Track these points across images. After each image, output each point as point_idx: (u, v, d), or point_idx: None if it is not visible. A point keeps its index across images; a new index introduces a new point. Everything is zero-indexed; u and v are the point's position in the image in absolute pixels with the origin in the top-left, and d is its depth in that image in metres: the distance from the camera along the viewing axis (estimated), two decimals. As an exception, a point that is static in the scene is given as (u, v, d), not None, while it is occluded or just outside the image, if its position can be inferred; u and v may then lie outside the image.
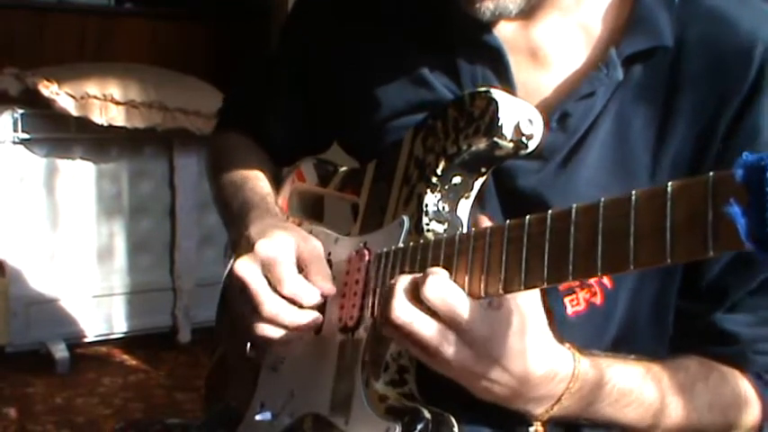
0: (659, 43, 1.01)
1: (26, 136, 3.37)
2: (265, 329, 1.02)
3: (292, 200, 1.28)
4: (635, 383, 0.96)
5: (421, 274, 0.87)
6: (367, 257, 1.04)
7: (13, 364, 3.39)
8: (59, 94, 3.29)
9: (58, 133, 3.45)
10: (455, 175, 0.99)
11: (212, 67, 4.36)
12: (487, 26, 1.05)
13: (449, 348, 0.85)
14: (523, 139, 0.93)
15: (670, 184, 0.67)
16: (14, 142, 3.36)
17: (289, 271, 1.02)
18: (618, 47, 1.01)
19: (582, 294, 1.01)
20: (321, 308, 1.06)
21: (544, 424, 0.97)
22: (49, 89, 3.28)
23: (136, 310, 3.67)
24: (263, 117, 1.33)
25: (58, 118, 3.37)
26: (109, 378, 3.40)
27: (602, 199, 0.73)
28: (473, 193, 1.00)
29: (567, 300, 1.01)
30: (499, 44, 1.05)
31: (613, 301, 1.02)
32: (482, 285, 0.84)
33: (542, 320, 0.89)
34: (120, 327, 3.66)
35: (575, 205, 0.76)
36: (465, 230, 0.95)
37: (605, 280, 1.01)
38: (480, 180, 1.00)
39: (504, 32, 1.06)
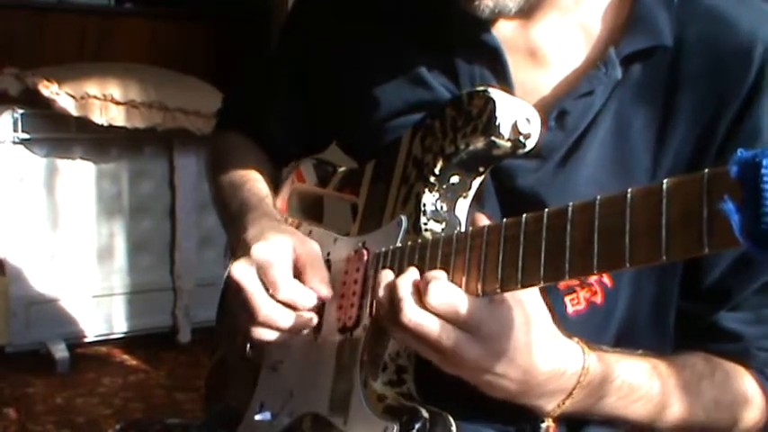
0: (658, 43, 1.01)
1: (26, 136, 3.37)
2: (261, 333, 1.03)
3: (292, 200, 1.28)
4: (643, 378, 0.96)
5: (417, 276, 0.88)
6: (365, 257, 1.04)
7: (13, 364, 3.39)
8: (59, 94, 3.29)
9: (58, 133, 3.45)
10: (453, 175, 0.99)
11: (212, 67, 4.36)
12: (486, 26, 1.05)
13: (460, 347, 0.85)
14: (521, 138, 0.93)
15: (665, 181, 0.67)
16: (14, 142, 3.36)
17: (284, 275, 1.02)
18: (617, 46, 1.01)
19: (582, 293, 1.01)
20: (319, 308, 1.06)
21: (555, 420, 0.97)
22: (49, 89, 3.28)
23: (136, 310, 3.67)
24: (262, 117, 1.33)
25: (58, 118, 3.37)
26: (109, 378, 3.40)
27: (598, 197, 0.73)
28: (471, 193, 1.00)
29: (567, 299, 1.01)
30: (497, 44, 1.05)
31: (614, 300, 1.02)
32: (479, 284, 0.85)
33: (545, 315, 0.90)
34: (120, 327, 3.66)
35: (571, 203, 0.76)
36: (463, 230, 0.95)
37: (605, 279, 1.01)
38: (478, 179, 1.00)
39: (503, 32, 1.06)
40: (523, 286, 0.81)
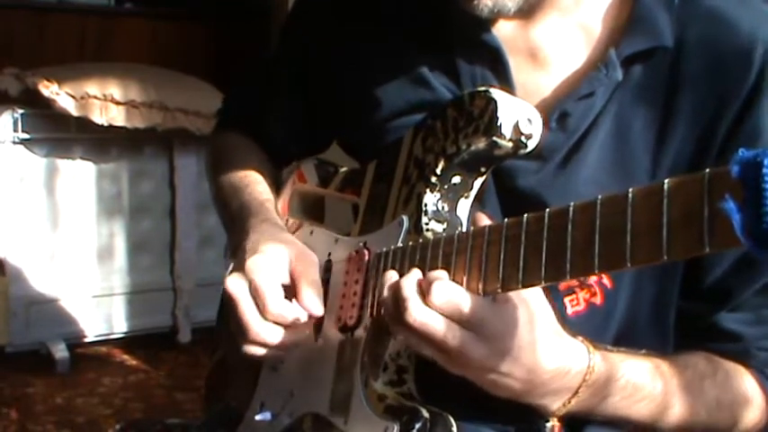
0: (659, 44, 1.01)
1: (26, 136, 3.37)
2: (253, 350, 1.04)
3: (293, 201, 1.28)
4: (647, 378, 0.96)
5: (421, 277, 0.88)
6: (366, 257, 1.04)
7: (13, 364, 3.39)
8: (59, 94, 3.29)
9: (59, 133, 3.45)
10: (454, 175, 0.99)
11: (212, 67, 4.37)
12: (487, 26, 1.05)
13: (465, 346, 0.85)
14: (522, 138, 0.93)
15: (666, 181, 0.67)
16: (14, 142, 3.36)
17: (273, 294, 1.02)
18: (617, 47, 1.01)
19: (582, 294, 1.01)
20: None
21: (561, 419, 0.97)
22: (49, 89, 3.28)
23: (136, 310, 3.67)
24: (262, 117, 1.33)
25: (59, 118, 3.37)
26: (109, 378, 3.40)
27: (600, 197, 0.73)
28: (472, 193, 1.00)
29: (566, 300, 1.01)
30: (498, 44, 1.05)
31: (613, 300, 1.02)
32: (481, 284, 0.85)
33: (549, 314, 0.90)
34: (120, 327, 3.66)
35: (572, 203, 0.76)
36: (464, 230, 0.95)
37: (605, 280, 1.01)
38: (480, 180, 1.00)
39: (504, 32, 1.06)
40: (525, 286, 0.81)
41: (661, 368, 0.98)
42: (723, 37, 1.00)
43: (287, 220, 1.23)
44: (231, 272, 1.06)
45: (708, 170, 0.63)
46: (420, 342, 0.87)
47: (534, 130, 0.93)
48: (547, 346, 0.88)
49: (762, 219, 0.57)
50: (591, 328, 0.99)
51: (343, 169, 1.23)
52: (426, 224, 0.99)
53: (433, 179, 0.99)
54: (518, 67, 1.05)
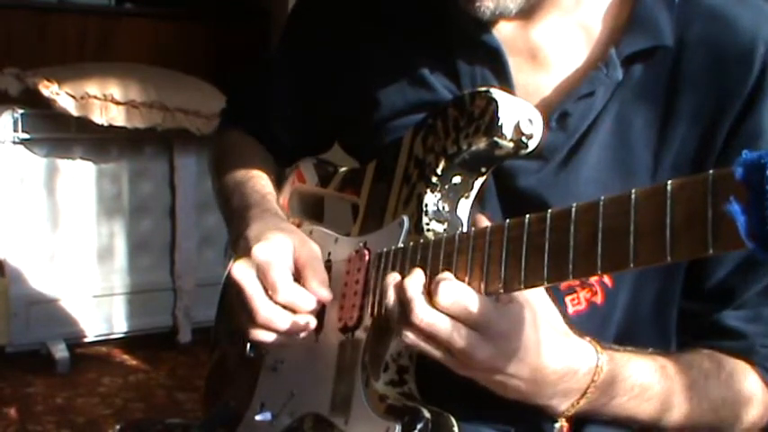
0: (659, 43, 1.01)
1: (26, 136, 3.37)
2: (260, 335, 1.03)
3: (292, 200, 1.28)
4: (653, 378, 0.96)
5: (425, 277, 0.88)
6: (367, 257, 1.04)
7: (14, 364, 3.39)
8: (60, 94, 3.29)
9: (59, 133, 3.45)
10: (455, 175, 0.99)
11: (212, 67, 4.36)
12: (487, 26, 1.05)
13: (472, 346, 0.85)
14: (523, 138, 0.93)
15: (670, 182, 0.67)
16: (15, 142, 3.36)
17: (283, 277, 1.02)
18: (618, 46, 1.01)
19: (583, 294, 1.01)
20: (320, 308, 1.06)
21: (569, 420, 0.97)
22: (49, 89, 3.28)
23: (136, 310, 3.67)
24: (264, 116, 1.33)
25: (59, 118, 3.37)
26: (109, 378, 3.40)
27: (602, 197, 0.73)
28: (473, 193, 1.00)
29: (567, 299, 1.01)
30: (498, 44, 1.05)
31: (614, 300, 1.02)
32: (482, 285, 0.85)
33: (555, 314, 0.90)
34: (120, 327, 3.66)
35: (575, 204, 0.76)
36: (465, 230, 0.95)
37: (606, 279, 1.01)
38: (480, 180, 1.00)
39: (504, 33, 1.06)
40: (527, 287, 0.81)
41: (667, 368, 0.98)
42: (724, 36, 1.00)
43: (287, 218, 1.22)
44: (236, 259, 1.06)
45: (711, 172, 0.63)
46: (426, 343, 0.87)
47: (535, 131, 0.93)
48: (552, 346, 0.88)
49: (766, 221, 0.57)
50: (592, 327, 0.99)
51: (343, 169, 1.23)
52: (427, 224, 0.99)
53: (434, 179, 0.99)
54: (518, 68, 1.05)
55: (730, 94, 0.99)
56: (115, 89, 3.38)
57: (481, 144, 0.95)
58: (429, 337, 0.86)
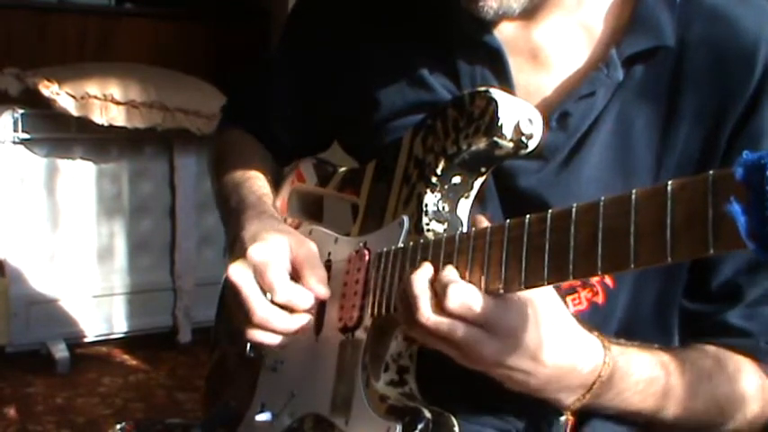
0: (660, 43, 1.01)
1: (26, 136, 3.37)
2: (258, 335, 1.03)
3: (292, 200, 1.28)
4: (659, 373, 0.96)
5: (432, 272, 0.88)
6: (367, 257, 1.04)
7: (14, 364, 3.39)
8: (60, 94, 3.29)
9: (59, 133, 3.45)
10: (455, 175, 0.99)
11: (212, 67, 4.36)
12: (488, 27, 1.05)
13: (478, 344, 0.85)
14: (523, 138, 0.93)
15: (670, 182, 0.67)
16: (15, 142, 3.36)
17: (280, 277, 1.02)
18: (619, 47, 1.01)
19: (584, 293, 1.01)
20: (320, 308, 1.06)
21: (574, 413, 0.97)
22: (49, 89, 3.28)
23: (136, 310, 3.67)
24: (264, 116, 1.33)
25: (59, 118, 3.37)
26: (109, 378, 3.40)
27: (603, 198, 0.73)
28: (473, 193, 1.00)
29: (568, 299, 1.01)
30: (499, 45, 1.05)
31: (615, 300, 1.02)
32: (482, 285, 0.85)
33: (561, 310, 0.89)
34: (120, 327, 3.66)
35: (575, 204, 0.76)
36: (465, 230, 0.95)
37: (607, 279, 1.01)
38: (480, 180, 1.00)
39: (505, 33, 1.06)
40: (527, 287, 0.81)
41: (674, 363, 0.97)
42: (726, 36, 1.00)
43: (285, 219, 1.22)
44: (231, 261, 1.06)
45: (711, 172, 0.63)
46: (432, 339, 0.87)
47: (535, 131, 0.93)
48: (558, 341, 0.88)
49: (766, 221, 0.57)
50: (593, 326, 0.99)
51: (342, 169, 1.23)
52: (427, 224, 0.99)
53: (434, 179, 0.99)
54: (519, 68, 1.05)
55: (733, 95, 0.99)
56: (115, 89, 3.38)
57: (481, 144, 0.95)
58: (434, 334, 0.86)
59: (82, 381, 3.35)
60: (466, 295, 0.84)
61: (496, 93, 0.94)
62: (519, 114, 0.93)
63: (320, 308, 1.06)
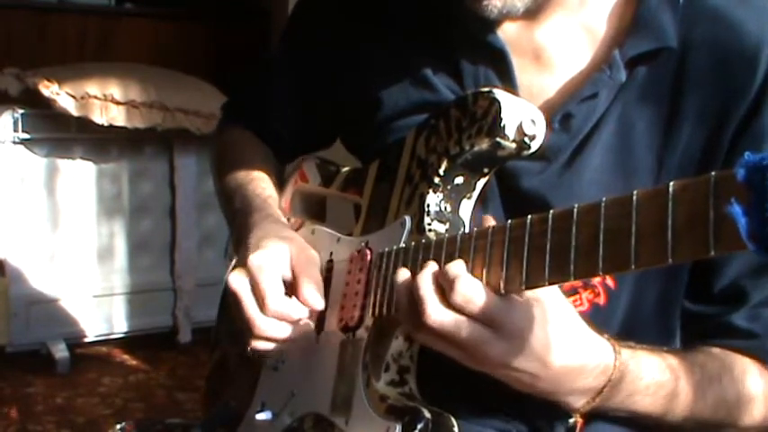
0: (663, 44, 1.00)
1: (26, 136, 3.36)
2: (259, 345, 1.04)
3: (295, 200, 1.28)
4: (669, 377, 0.96)
5: (437, 270, 0.88)
6: (368, 257, 1.04)
7: (14, 364, 3.39)
8: (60, 94, 3.28)
9: (59, 133, 3.44)
10: (457, 176, 0.99)
11: (212, 67, 4.36)
12: (491, 26, 1.05)
13: (484, 344, 0.85)
14: (526, 139, 0.93)
15: (671, 183, 0.67)
16: (15, 142, 3.35)
17: (272, 288, 1.02)
18: (621, 48, 1.01)
19: (585, 295, 1.01)
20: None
21: (583, 416, 0.97)
22: (49, 89, 3.28)
23: (136, 310, 3.66)
24: (266, 114, 1.33)
25: (59, 118, 3.36)
26: (109, 378, 3.39)
27: (604, 199, 0.73)
28: (475, 194, 1.00)
29: (570, 300, 1.00)
30: (502, 45, 1.05)
31: (617, 301, 1.02)
32: (483, 285, 0.85)
33: (568, 312, 0.89)
34: (120, 327, 3.66)
35: (576, 205, 0.76)
36: (467, 230, 0.95)
37: (608, 280, 1.01)
38: (482, 180, 1.00)
39: (508, 33, 1.06)
40: (528, 287, 0.81)
41: (682, 366, 0.97)
42: (729, 38, 1.00)
43: (288, 219, 1.23)
44: (233, 268, 1.07)
45: (713, 173, 0.63)
46: (436, 341, 0.87)
47: (538, 131, 0.93)
48: (566, 343, 0.87)
49: (767, 222, 0.57)
50: (594, 327, 0.99)
51: (345, 169, 1.23)
52: (429, 224, 0.99)
53: (436, 179, 0.99)
54: (522, 68, 1.05)
55: (735, 96, 0.99)
56: (115, 89, 3.38)
57: (484, 145, 0.95)
58: (439, 335, 0.86)
59: (82, 381, 3.35)
60: (473, 290, 0.84)
61: (499, 93, 0.94)
62: (522, 115, 0.93)
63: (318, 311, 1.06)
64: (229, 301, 1.06)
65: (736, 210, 0.59)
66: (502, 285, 0.83)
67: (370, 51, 1.15)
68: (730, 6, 1.02)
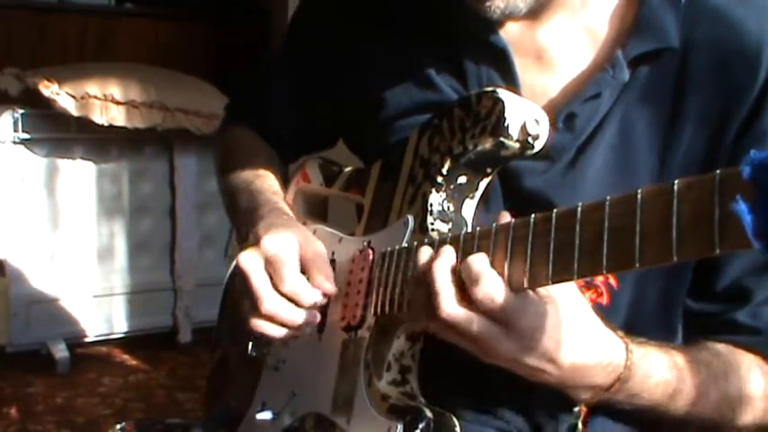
0: (665, 45, 1.01)
1: (26, 136, 3.36)
2: (263, 326, 1.03)
3: (297, 200, 1.28)
4: (675, 374, 0.96)
5: (454, 262, 0.87)
6: (371, 257, 1.04)
7: (14, 364, 3.38)
8: (60, 94, 3.28)
9: (59, 133, 3.44)
10: (461, 175, 0.99)
11: (212, 67, 4.36)
12: (494, 27, 1.05)
13: (495, 341, 0.85)
14: (529, 139, 0.93)
15: (676, 181, 0.67)
16: (15, 142, 3.35)
17: (291, 269, 1.03)
18: (624, 48, 1.01)
19: (588, 294, 1.01)
20: (323, 307, 1.06)
21: (588, 405, 0.96)
22: (49, 89, 3.28)
23: (136, 310, 3.66)
24: (268, 114, 1.33)
25: (59, 118, 3.36)
26: (109, 378, 3.39)
27: (608, 197, 0.73)
28: (478, 194, 1.00)
29: None
30: (505, 45, 1.05)
31: (619, 300, 1.02)
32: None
33: (582, 309, 0.89)
34: (120, 327, 3.66)
35: (580, 204, 0.76)
36: (469, 230, 0.95)
37: (611, 280, 1.01)
38: (485, 180, 1.00)
39: (511, 33, 1.06)
40: (531, 287, 0.81)
41: (687, 364, 0.97)
42: (730, 38, 1.00)
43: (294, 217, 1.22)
44: (244, 249, 1.06)
45: (718, 171, 0.63)
46: (446, 331, 0.87)
47: (541, 131, 0.93)
48: (577, 343, 0.87)
49: (773, 220, 0.57)
50: (607, 324, 0.99)
51: (348, 169, 1.23)
52: (431, 224, 0.99)
53: (439, 179, 0.99)
54: (525, 68, 1.05)
55: (738, 96, 0.99)
56: (115, 89, 3.38)
57: (487, 144, 0.95)
58: (452, 328, 0.85)
59: (82, 381, 3.35)
60: (496, 288, 0.83)
61: (503, 93, 0.94)
62: (525, 115, 0.93)
63: (323, 307, 1.06)
64: (237, 281, 1.06)
65: (742, 207, 0.59)
66: (505, 284, 0.83)
67: (370, 51, 1.15)
68: (731, 6, 1.02)
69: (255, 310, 1.02)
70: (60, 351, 3.43)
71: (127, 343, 3.67)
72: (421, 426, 0.91)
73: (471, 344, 0.87)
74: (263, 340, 1.15)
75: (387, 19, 1.15)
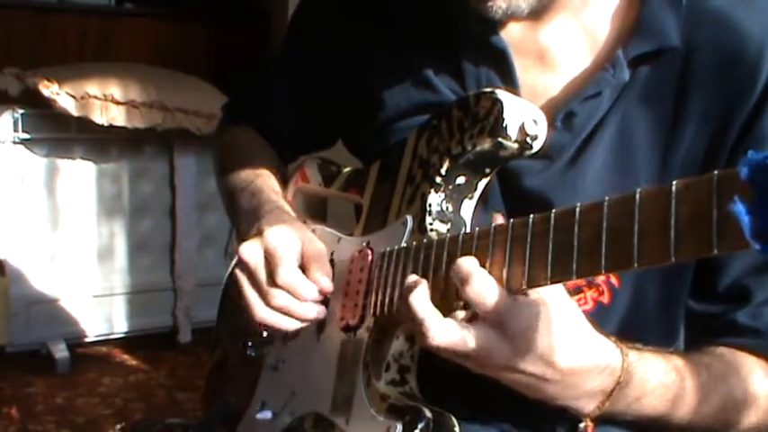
0: (666, 45, 1.01)
1: (26, 136, 3.36)
2: (264, 315, 1.04)
3: (296, 200, 1.28)
4: (676, 377, 0.95)
5: (425, 285, 0.88)
6: (370, 257, 1.04)
7: (14, 364, 3.39)
8: (60, 94, 3.28)
9: (59, 133, 3.44)
10: (459, 176, 0.99)
11: (212, 67, 4.37)
12: (495, 27, 1.05)
13: (489, 346, 0.84)
14: (528, 139, 0.93)
15: (675, 182, 0.67)
16: (15, 142, 3.35)
17: (289, 262, 1.03)
18: (625, 48, 1.01)
19: (590, 293, 1.01)
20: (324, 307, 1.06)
21: (594, 420, 0.96)
22: (49, 89, 3.28)
23: (136, 310, 3.66)
24: (267, 114, 1.33)
25: (59, 118, 3.37)
26: (109, 378, 3.39)
27: (607, 198, 0.73)
28: (477, 194, 1.00)
29: (574, 299, 1.00)
30: (504, 46, 1.05)
31: (621, 299, 1.02)
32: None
33: (574, 314, 0.88)
34: (120, 327, 3.66)
35: (579, 204, 0.76)
36: (468, 230, 0.95)
37: (612, 279, 1.01)
38: (484, 181, 1.00)
39: (512, 34, 1.06)
40: (530, 286, 0.81)
41: (688, 368, 0.97)
42: (731, 39, 1.00)
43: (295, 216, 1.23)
44: (246, 239, 1.07)
45: (716, 172, 0.63)
46: (443, 352, 0.86)
47: (539, 132, 0.93)
48: (571, 345, 0.86)
49: (771, 221, 0.57)
50: (599, 326, 0.99)
51: (347, 169, 1.23)
52: (430, 224, 0.99)
53: (438, 179, 0.99)
54: (526, 69, 1.05)
55: (739, 97, 0.99)
56: (115, 89, 3.38)
57: (486, 145, 0.95)
58: (449, 351, 0.85)
59: (82, 381, 3.35)
60: (487, 287, 0.83)
61: (502, 94, 0.94)
62: (524, 115, 0.93)
63: (324, 304, 1.06)
64: (238, 270, 1.06)
65: (740, 208, 0.59)
66: (504, 285, 0.83)
67: (370, 51, 1.15)
68: (732, 8, 1.02)
69: (256, 302, 1.03)
70: (60, 351, 3.43)
71: (127, 343, 3.67)
72: (420, 425, 0.91)
73: (465, 359, 0.86)
74: (262, 340, 1.15)
75: (387, 19, 1.15)
